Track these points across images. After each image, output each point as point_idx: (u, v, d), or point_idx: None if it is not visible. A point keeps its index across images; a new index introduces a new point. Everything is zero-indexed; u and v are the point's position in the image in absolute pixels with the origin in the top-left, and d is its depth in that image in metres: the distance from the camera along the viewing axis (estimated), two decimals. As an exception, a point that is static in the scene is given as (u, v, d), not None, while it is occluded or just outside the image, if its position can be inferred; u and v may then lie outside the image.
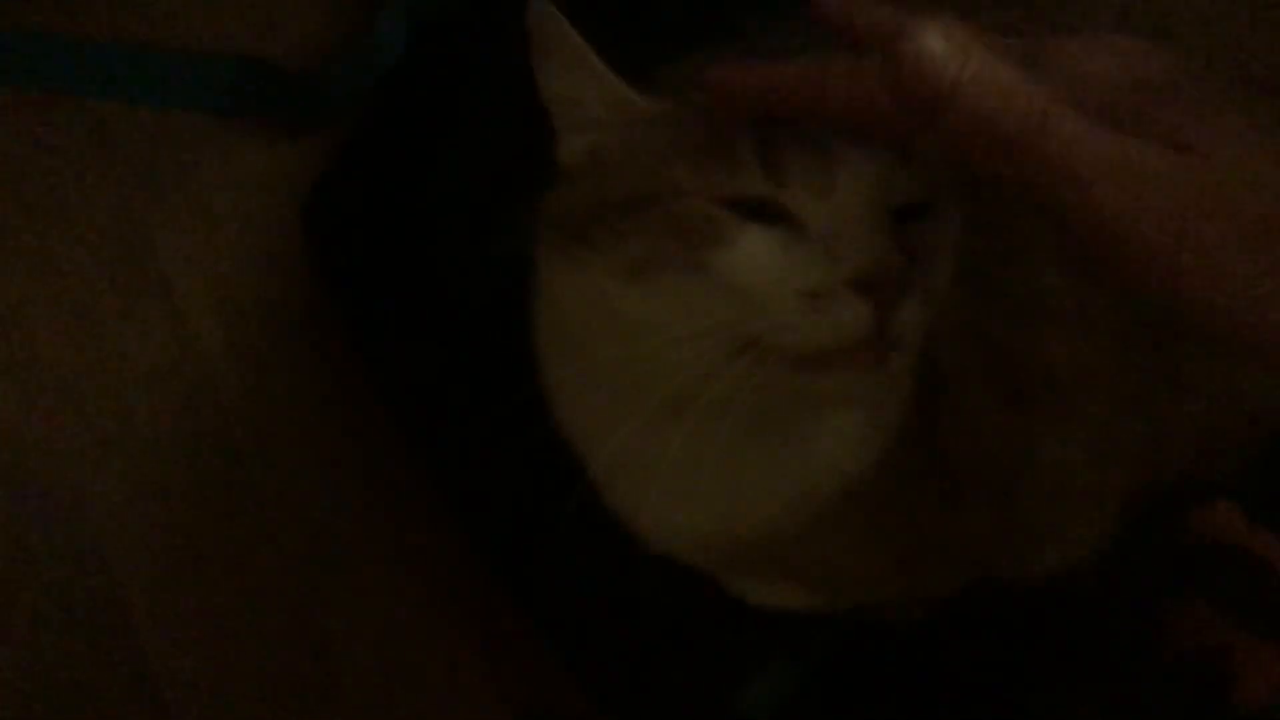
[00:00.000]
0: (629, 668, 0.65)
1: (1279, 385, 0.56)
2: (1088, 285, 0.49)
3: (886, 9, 0.37)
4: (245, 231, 0.73)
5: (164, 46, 0.73)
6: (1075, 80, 0.33)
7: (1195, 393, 0.54)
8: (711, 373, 0.39)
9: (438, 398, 0.67)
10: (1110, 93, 0.32)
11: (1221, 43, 0.57)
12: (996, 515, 0.53)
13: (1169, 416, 0.54)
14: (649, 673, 0.65)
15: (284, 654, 0.70)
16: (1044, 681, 0.63)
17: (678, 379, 0.40)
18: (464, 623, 0.73)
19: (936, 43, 0.32)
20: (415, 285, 0.67)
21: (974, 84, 0.32)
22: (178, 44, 0.73)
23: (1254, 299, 0.30)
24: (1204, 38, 0.61)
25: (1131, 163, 0.31)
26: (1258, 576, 0.64)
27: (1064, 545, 0.58)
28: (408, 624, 0.72)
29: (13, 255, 0.70)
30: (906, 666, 0.63)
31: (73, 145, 0.72)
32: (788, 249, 0.39)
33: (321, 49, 0.74)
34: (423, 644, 0.72)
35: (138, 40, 0.73)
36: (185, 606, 0.70)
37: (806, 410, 0.46)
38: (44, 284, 0.70)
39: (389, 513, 0.73)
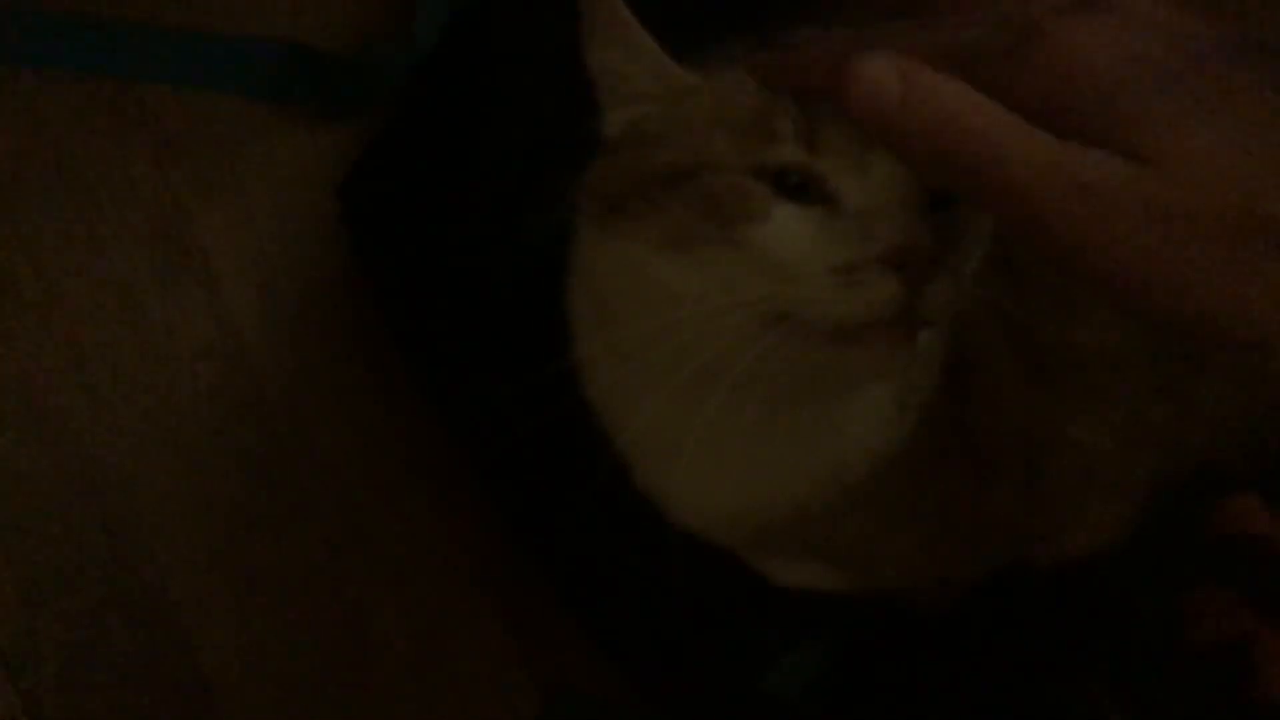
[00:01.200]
0: (656, 646, 0.66)
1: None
2: None
3: (827, 44, 0.37)
4: (284, 213, 0.74)
5: (206, 30, 0.73)
6: (1060, 70, 0.31)
7: (1219, 377, 0.54)
8: (743, 344, 0.40)
9: (471, 377, 0.68)
10: (1084, 94, 0.31)
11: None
12: (1023, 496, 0.53)
13: (1194, 400, 0.55)
14: (676, 651, 0.65)
15: (317, 625, 0.71)
16: (1065, 669, 0.64)
17: (709, 350, 0.40)
18: (494, 600, 0.74)
19: (879, 69, 0.32)
20: (450, 266, 0.68)
21: (921, 103, 0.32)
22: (220, 28, 0.73)
23: (1232, 298, 0.29)
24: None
25: (1086, 175, 0.30)
26: (1278, 568, 0.64)
27: (1090, 528, 0.58)
28: (439, 600, 0.73)
29: (56, 233, 0.71)
30: (931, 650, 0.63)
31: (116, 127, 0.73)
32: (822, 225, 0.39)
33: (362, 34, 0.75)
34: (453, 620, 0.73)
35: (181, 23, 0.73)
36: (223, 581, 0.71)
37: (836, 389, 0.46)
38: (86, 262, 0.71)
39: (421, 491, 0.74)
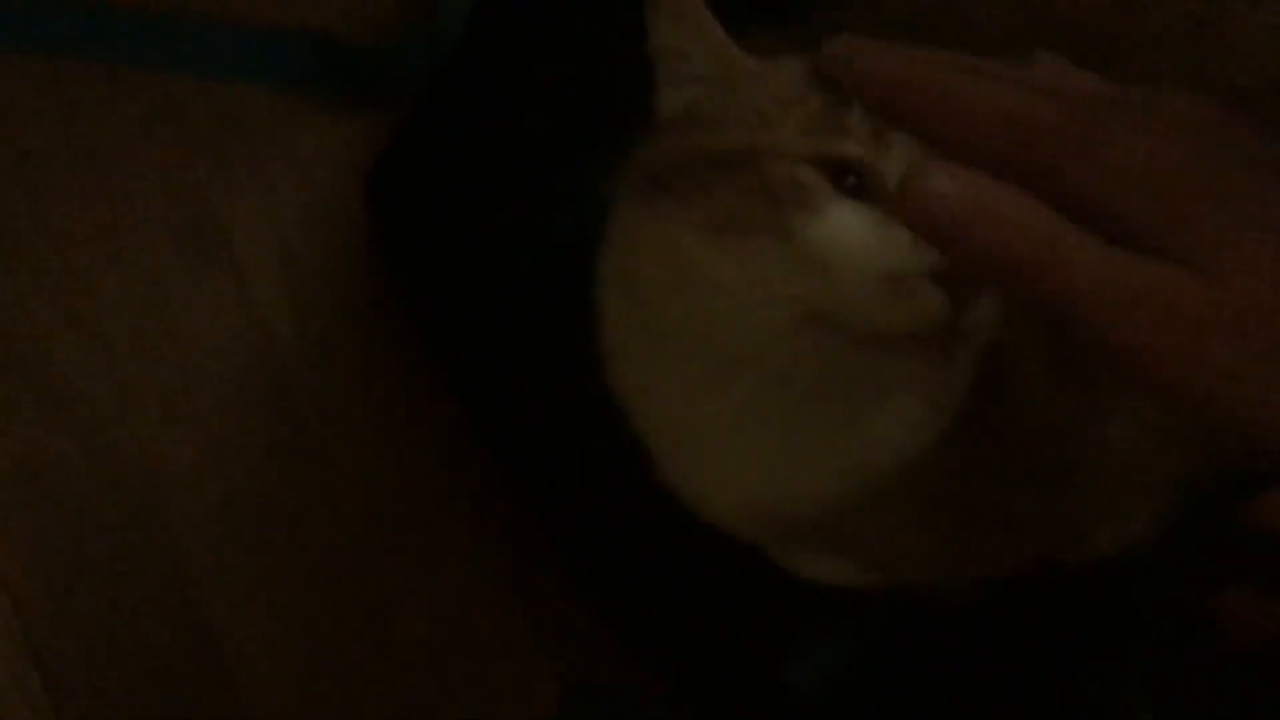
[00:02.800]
0: (677, 638, 0.66)
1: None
2: None
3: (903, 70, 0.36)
4: (310, 203, 0.74)
5: (233, 20, 0.74)
6: (1124, 172, 0.31)
7: None
8: (776, 339, 0.40)
9: (497, 369, 0.68)
10: (1145, 193, 0.31)
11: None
12: (1054, 495, 0.53)
13: None
14: (698, 643, 0.65)
15: (340, 617, 0.72)
16: (1094, 667, 0.63)
17: (741, 340, 0.40)
18: (515, 591, 0.74)
19: (941, 179, 0.32)
20: (476, 257, 0.68)
21: (985, 219, 0.32)
22: (246, 18, 0.74)
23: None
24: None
25: (1150, 291, 0.30)
26: (1313, 568, 0.63)
27: (1120, 526, 0.57)
28: (461, 592, 0.73)
29: (83, 223, 0.72)
30: (956, 645, 0.63)
31: (142, 116, 0.73)
32: (876, 228, 0.39)
33: (388, 25, 0.75)
34: (475, 612, 0.73)
35: (208, 14, 0.74)
36: (246, 568, 0.71)
37: (867, 390, 0.46)
38: (113, 251, 0.72)
39: (446, 481, 0.74)
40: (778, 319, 0.40)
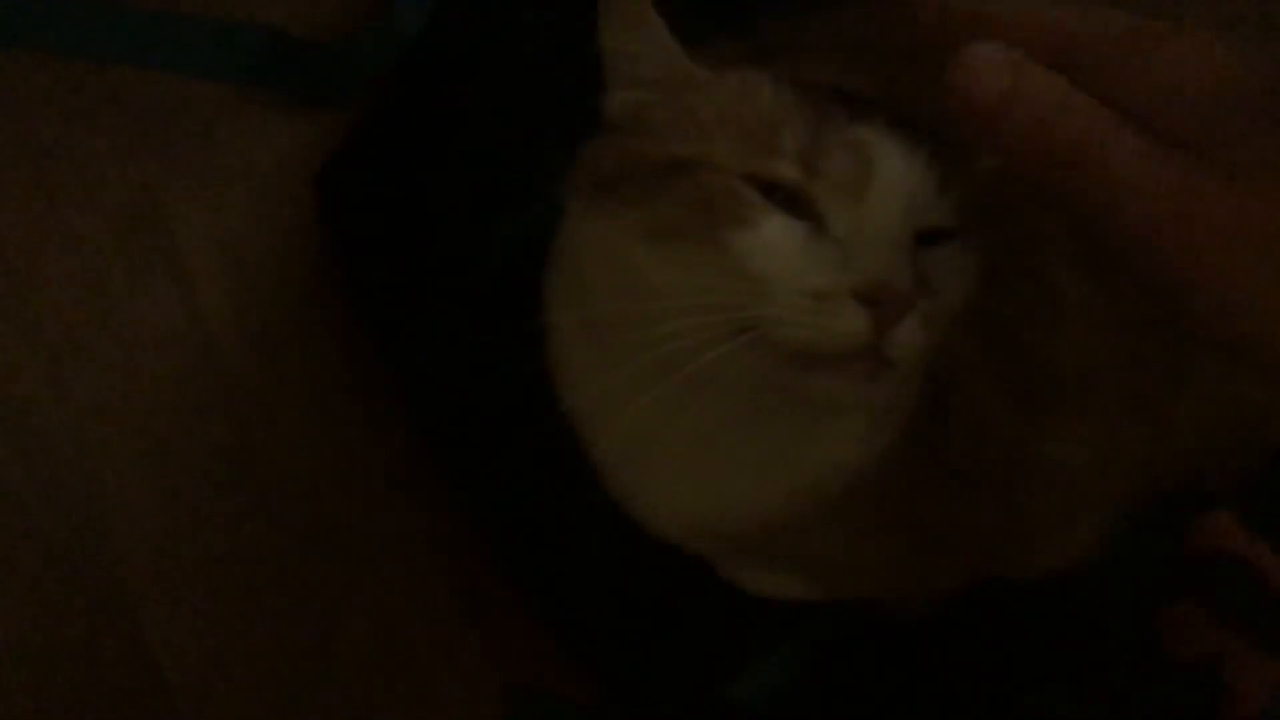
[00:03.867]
0: (623, 650, 0.65)
1: (1281, 395, 0.56)
2: (1096, 285, 0.49)
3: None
4: (257, 202, 0.73)
5: (184, 13, 0.72)
6: (1155, 89, 0.32)
7: (1199, 396, 0.54)
8: (711, 347, 0.39)
9: (443, 375, 0.67)
10: (1187, 107, 0.32)
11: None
12: (999, 512, 0.53)
13: (1172, 418, 0.55)
14: (643, 655, 0.65)
15: (281, 624, 0.71)
16: (1040, 681, 0.64)
17: (672, 344, 0.40)
18: (460, 599, 0.73)
19: (994, 53, 0.33)
20: (425, 261, 0.67)
21: (1028, 95, 0.32)
22: (198, 11, 0.73)
23: None
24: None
25: (1185, 188, 0.30)
26: (1254, 587, 0.64)
27: (1064, 544, 0.58)
28: (405, 598, 0.72)
29: (25, 217, 0.70)
30: (903, 660, 0.63)
31: (88, 109, 0.72)
32: (806, 245, 0.39)
33: (342, 23, 0.74)
34: (419, 618, 0.72)
35: (157, 5, 0.72)
36: (184, 574, 0.70)
37: (805, 404, 0.46)
38: (55, 247, 0.70)
39: (390, 487, 0.73)
40: (712, 327, 0.39)
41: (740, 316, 0.39)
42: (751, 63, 0.44)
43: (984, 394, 0.49)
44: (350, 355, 0.73)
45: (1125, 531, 0.59)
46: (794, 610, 0.62)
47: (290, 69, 0.73)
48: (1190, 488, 0.62)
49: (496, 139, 0.66)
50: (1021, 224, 0.48)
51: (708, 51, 0.45)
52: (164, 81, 0.72)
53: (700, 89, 0.43)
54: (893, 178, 0.39)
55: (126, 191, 0.71)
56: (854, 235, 0.39)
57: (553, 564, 0.66)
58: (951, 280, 0.40)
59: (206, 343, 0.71)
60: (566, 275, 0.50)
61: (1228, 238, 0.30)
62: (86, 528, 0.69)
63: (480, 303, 0.66)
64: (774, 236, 0.39)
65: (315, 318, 0.73)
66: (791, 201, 0.39)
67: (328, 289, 0.72)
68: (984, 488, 0.52)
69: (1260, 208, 0.30)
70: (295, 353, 0.72)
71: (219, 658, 0.70)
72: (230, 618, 0.70)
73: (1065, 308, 0.49)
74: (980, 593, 0.60)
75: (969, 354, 0.47)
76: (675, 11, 0.44)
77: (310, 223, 0.72)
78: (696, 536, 0.54)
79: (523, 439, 0.65)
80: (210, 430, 0.71)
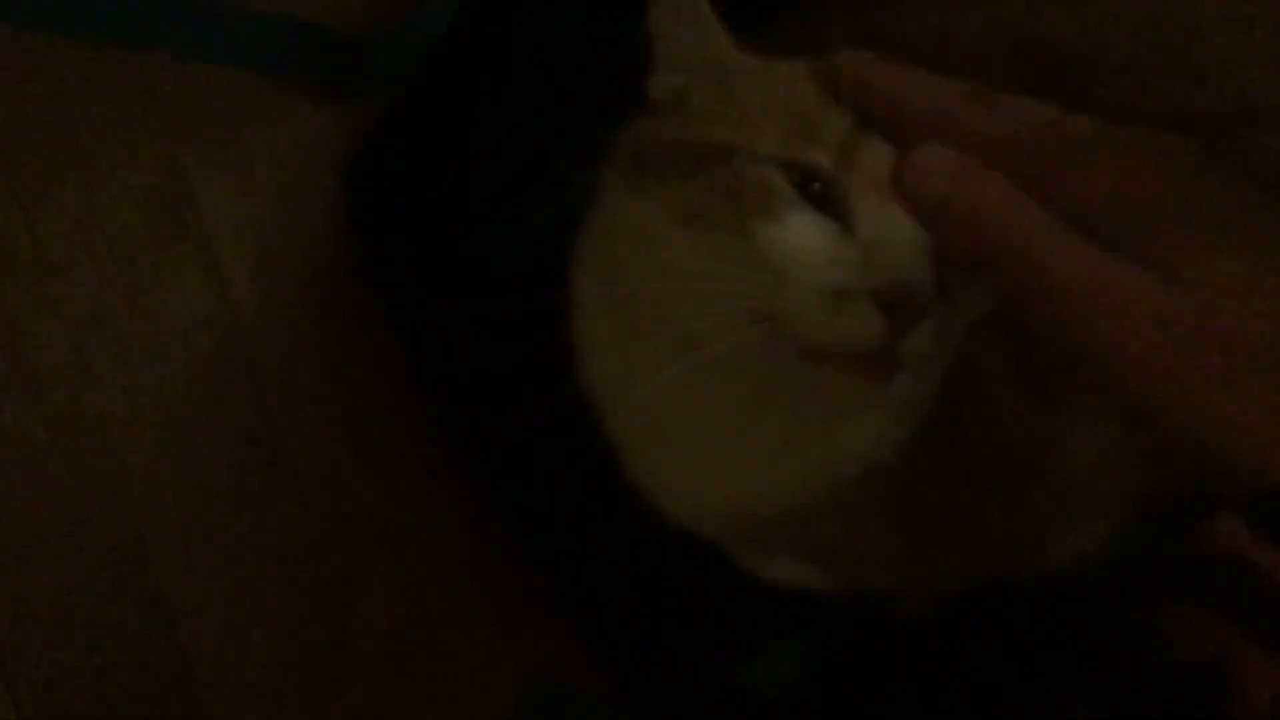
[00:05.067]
0: (636, 636, 0.66)
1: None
2: None
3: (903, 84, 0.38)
4: (285, 191, 0.74)
5: (216, 3, 0.73)
6: (1112, 187, 0.32)
7: None
8: (731, 333, 0.40)
9: (464, 364, 0.68)
10: (1125, 214, 0.32)
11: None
12: (1013, 506, 0.53)
13: None
14: (656, 642, 0.65)
15: (301, 605, 0.71)
16: (1046, 681, 0.64)
17: (691, 324, 0.40)
18: (478, 585, 0.74)
19: (939, 157, 0.34)
20: (450, 251, 0.68)
21: (968, 197, 0.33)
22: (232, 2, 0.74)
23: (1242, 418, 0.30)
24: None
25: (1121, 287, 0.31)
26: (1260, 589, 0.64)
27: (1076, 540, 0.58)
28: (423, 583, 0.73)
29: (57, 202, 0.71)
30: (912, 656, 0.63)
31: (120, 96, 0.73)
32: (830, 244, 0.39)
33: (371, 15, 0.75)
34: (437, 605, 0.73)
35: (191, -4, 0.74)
36: (207, 553, 0.71)
37: (823, 395, 0.46)
38: (87, 232, 0.71)
39: (411, 473, 0.74)
40: (729, 311, 0.40)
41: (758, 306, 0.39)
42: (798, 55, 0.44)
43: (999, 387, 0.50)
44: (374, 342, 0.74)
45: (1133, 532, 0.59)
46: (807, 601, 0.62)
47: (319, 60, 0.74)
48: (1197, 490, 0.63)
49: (521, 129, 0.66)
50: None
51: (758, 44, 0.45)
52: (195, 70, 0.73)
53: (747, 76, 0.43)
54: None
55: (156, 177, 0.73)
56: (879, 236, 0.39)
57: (568, 550, 0.67)
58: (971, 290, 0.41)
59: (233, 327, 0.72)
60: (596, 249, 0.50)
61: (1167, 336, 0.30)
62: (110, 503, 0.70)
63: (504, 291, 0.66)
64: (800, 231, 0.39)
65: (341, 305, 0.74)
66: (822, 200, 0.40)
67: (354, 276, 0.73)
68: (997, 481, 0.52)
69: (1201, 311, 0.30)
70: (320, 339, 0.73)
71: (239, 635, 0.71)
72: (250, 596, 0.71)
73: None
74: (988, 591, 0.60)
75: (985, 344, 0.48)
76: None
77: (336, 211, 0.73)
78: (714, 521, 0.54)
79: (543, 427, 0.66)
80: (234, 411, 0.72)
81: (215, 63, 0.73)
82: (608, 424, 0.52)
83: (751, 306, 0.40)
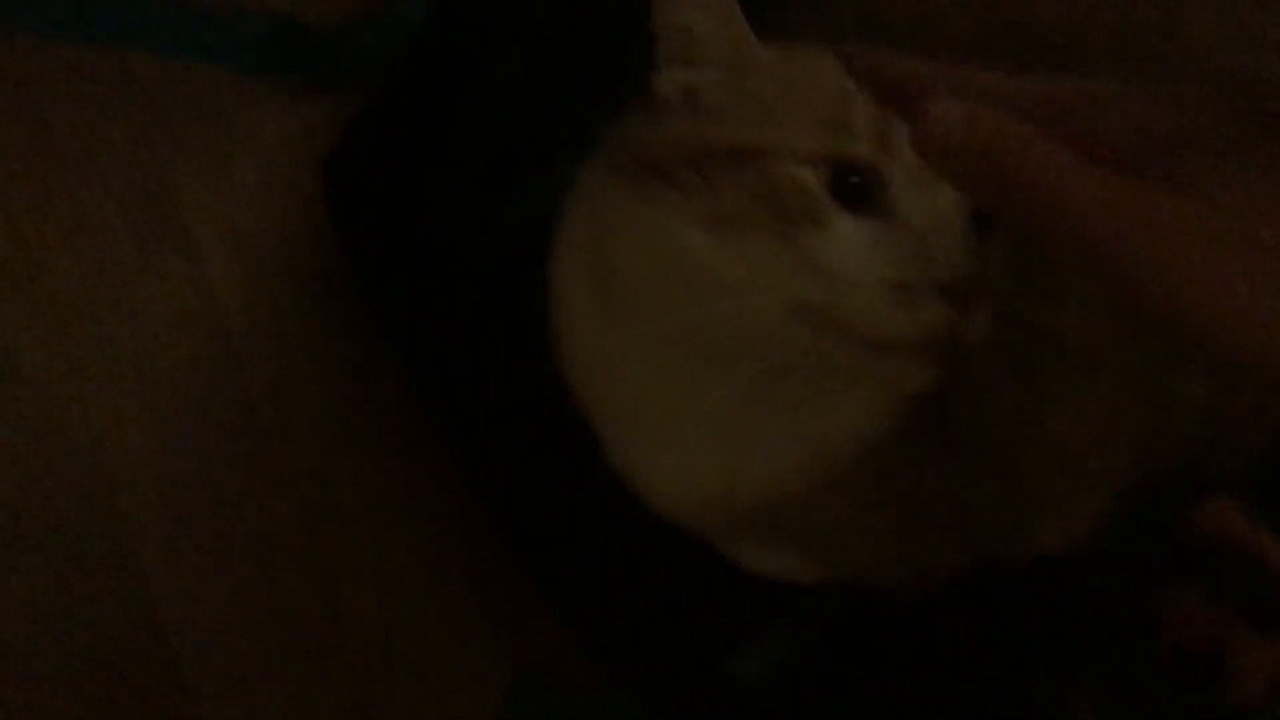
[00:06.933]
0: (625, 627, 0.65)
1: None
2: None
3: (912, 68, 0.38)
4: (266, 186, 0.73)
5: (194, 0, 0.73)
6: (1111, 135, 0.33)
7: (1198, 377, 0.54)
8: (765, 332, 0.39)
9: (448, 356, 0.68)
10: (1145, 148, 0.33)
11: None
12: (999, 486, 0.53)
13: (1172, 400, 0.55)
14: (642, 632, 0.65)
15: (289, 600, 0.71)
16: (1039, 666, 0.64)
17: (729, 331, 0.40)
18: (466, 578, 0.74)
19: (947, 109, 0.34)
20: (431, 243, 0.68)
21: (984, 136, 0.33)
22: (208, -2, 0.74)
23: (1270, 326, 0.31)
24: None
25: (1141, 209, 0.31)
26: (1254, 573, 0.64)
27: (1063, 522, 0.58)
28: (411, 577, 0.73)
29: (38, 201, 0.71)
30: (901, 641, 0.63)
31: (99, 94, 0.72)
32: (880, 238, 0.39)
33: (349, 8, 0.75)
34: (425, 597, 0.73)
35: (169, -8, 0.73)
36: (194, 551, 0.70)
37: (839, 377, 0.45)
38: (68, 230, 0.71)
39: (397, 467, 0.74)
40: (771, 313, 0.39)
41: (810, 304, 0.39)
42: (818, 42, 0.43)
43: (985, 367, 0.49)
44: (358, 337, 0.73)
45: (1126, 516, 0.59)
46: (794, 589, 0.62)
47: (298, 54, 0.73)
48: (1191, 472, 0.62)
49: (503, 122, 0.66)
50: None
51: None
52: (174, 67, 0.73)
53: (766, 69, 0.42)
54: None
55: (137, 174, 0.72)
56: (933, 224, 0.39)
57: (555, 540, 0.66)
58: (994, 264, 0.40)
59: (216, 324, 0.72)
60: (581, 248, 0.49)
61: (1219, 253, 0.31)
62: (95, 502, 0.69)
63: (485, 284, 0.66)
64: (849, 234, 0.39)
65: (322, 299, 0.74)
66: (861, 193, 0.39)
67: (335, 271, 0.73)
68: (983, 459, 0.52)
69: (1222, 219, 0.31)
70: (303, 334, 0.73)
71: (225, 633, 0.70)
72: (237, 594, 0.71)
73: (1065, 282, 0.49)
74: (980, 576, 0.60)
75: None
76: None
77: (317, 205, 0.73)
78: (700, 509, 0.54)
79: (528, 418, 0.66)
80: (219, 409, 0.72)
81: (194, 60, 0.73)
82: (589, 411, 0.52)
83: (801, 304, 0.39)
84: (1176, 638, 0.63)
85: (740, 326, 0.40)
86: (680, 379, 0.43)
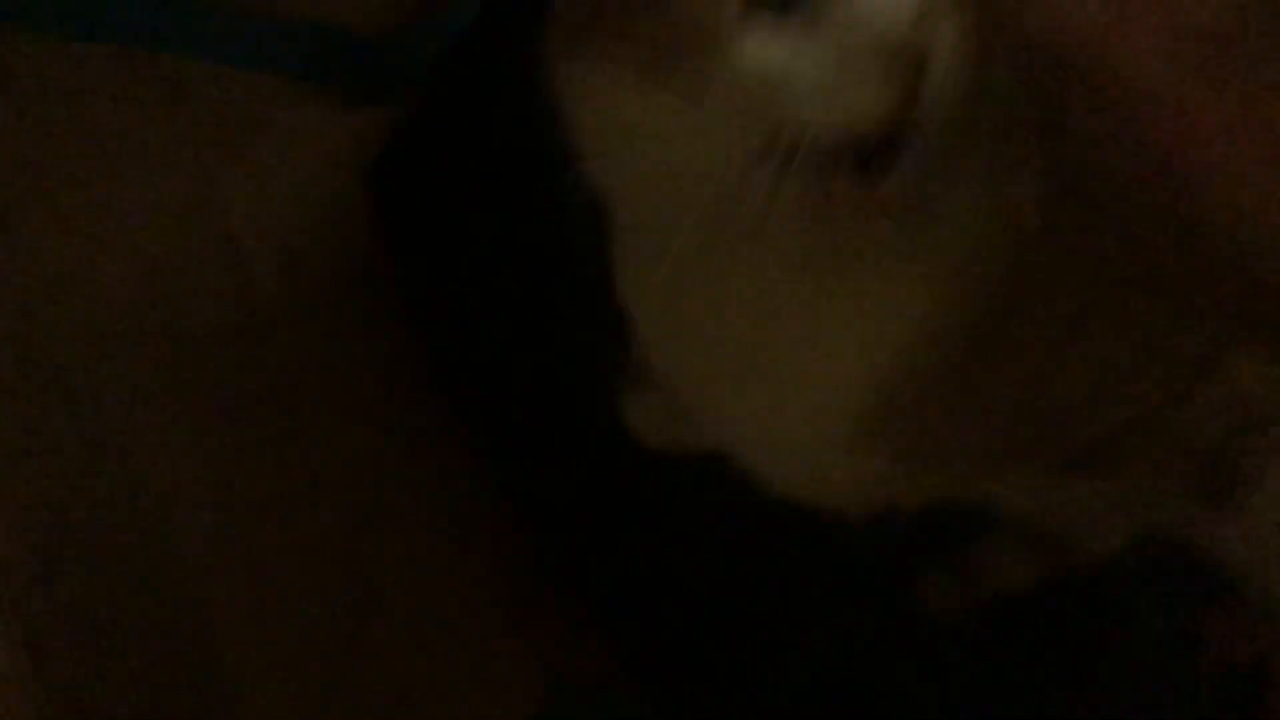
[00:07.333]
0: (661, 635, 0.65)
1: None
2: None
3: None
4: (311, 191, 0.74)
5: (243, 8, 0.74)
6: (1164, 23, 0.33)
7: (1222, 379, 0.52)
8: (739, 183, 0.37)
9: (487, 362, 0.68)
10: (1198, 39, 0.33)
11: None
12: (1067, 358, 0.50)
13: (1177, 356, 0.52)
14: (680, 640, 0.65)
15: (325, 599, 0.72)
16: (1080, 682, 0.63)
17: (705, 194, 0.37)
18: (499, 581, 0.74)
19: None
20: (473, 252, 0.68)
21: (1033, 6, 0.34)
22: (257, 7, 0.74)
23: None
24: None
25: (1206, 85, 0.32)
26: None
27: (1122, 522, 0.55)
28: (445, 579, 0.73)
29: (87, 203, 0.72)
30: (940, 654, 0.63)
31: (150, 99, 0.73)
32: (808, 29, 0.36)
33: (394, 18, 0.75)
34: (458, 600, 0.73)
35: (220, 1, 0.74)
36: (234, 549, 0.71)
37: (870, 257, 0.41)
38: (116, 232, 0.72)
39: (434, 470, 0.74)
40: (733, 156, 0.37)
41: (762, 128, 0.36)
42: None
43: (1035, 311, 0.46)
44: (399, 343, 0.74)
45: (1164, 535, 0.58)
46: (831, 599, 0.61)
47: (344, 63, 0.74)
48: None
49: (547, 129, 0.66)
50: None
51: None
52: (223, 74, 0.74)
53: None
54: None
55: (186, 179, 0.73)
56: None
57: (590, 546, 0.67)
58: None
59: (259, 330, 0.73)
60: (602, 149, 0.44)
61: (1242, 140, 0.31)
62: (143, 502, 0.70)
63: (526, 294, 0.67)
64: (765, 40, 0.36)
65: (364, 305, 0.74)
66: None
67: (379, 278, 0.74)
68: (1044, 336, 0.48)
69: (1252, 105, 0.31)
70: (344, 341, 0.74)
71: (267, 630, 0.70)
72: (279, 594, 0.71)
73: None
74: (1026, 594, 0.59)
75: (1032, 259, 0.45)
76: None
77: (360, 211, 0.73)
78: (764, 439, 0.48)
79: (564, 425, 0.66)
80: (260, 414, 0.72)
81: (242, 67, 0.74)
82: (651, 350, 0.47)
83: (754, 133, 0.36)
84: (1216, 654, 0.63)
85: (711, 184, 0.37)
86: (726, 305, 0.40)
